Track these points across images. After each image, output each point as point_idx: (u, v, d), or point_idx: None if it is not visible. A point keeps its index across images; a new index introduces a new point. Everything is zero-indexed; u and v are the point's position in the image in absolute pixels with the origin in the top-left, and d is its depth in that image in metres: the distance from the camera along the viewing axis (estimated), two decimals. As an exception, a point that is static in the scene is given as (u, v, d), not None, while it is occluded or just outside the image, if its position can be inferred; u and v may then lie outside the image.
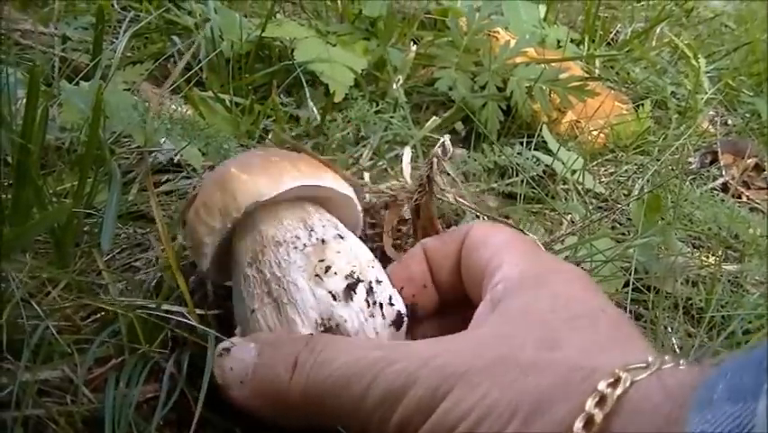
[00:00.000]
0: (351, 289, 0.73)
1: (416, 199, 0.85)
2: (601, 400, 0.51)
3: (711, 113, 2.09)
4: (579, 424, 0.51)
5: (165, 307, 0.78)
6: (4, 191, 0.88)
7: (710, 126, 1.96)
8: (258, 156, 0.80)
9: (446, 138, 0.81)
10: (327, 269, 0.73)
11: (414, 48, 1.36)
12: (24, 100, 0.89)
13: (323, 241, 0.76)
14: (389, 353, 0.63)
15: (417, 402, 0.58)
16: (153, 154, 1.10)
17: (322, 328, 0.72)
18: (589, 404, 0.51)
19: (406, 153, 0.93)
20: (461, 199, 0.86)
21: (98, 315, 0.81)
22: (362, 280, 0.73)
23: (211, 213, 0.76)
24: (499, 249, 0.74)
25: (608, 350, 0.59)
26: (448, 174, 0.84)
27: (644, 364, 0.54)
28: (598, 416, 0.50)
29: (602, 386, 0.52)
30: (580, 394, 0.52)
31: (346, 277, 0.73)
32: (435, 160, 0.82)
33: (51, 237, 0.83)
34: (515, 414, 0.54)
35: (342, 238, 0.77)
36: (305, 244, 0.75)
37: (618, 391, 0.51)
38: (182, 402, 0.74)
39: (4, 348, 0.72)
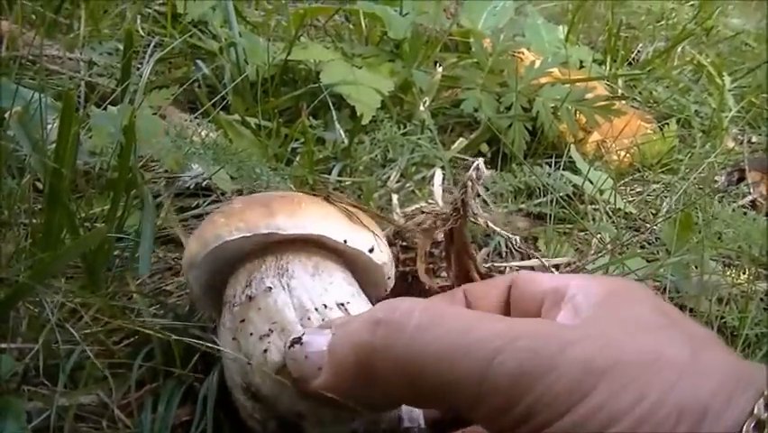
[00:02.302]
0: (265, 351, 0.65)
1: (451, 224, 0.84)
2: (759, 425, 0.50)
3: (735, 131, 2.08)
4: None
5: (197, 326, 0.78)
6: (36, 216, 0.89)
7: (735, 145, 1.95)
8: (215, 213, 0.75)
9: (480, 161, 0.80)
10: (245, 330, 0.67)
11: (440, 70, 1.36)
12: (55, 124, 0.90)
13: (250, 298, 0.69)
14: (512, 325, 0.56)
15: (555, 395, 0.52)
16: (182, 179, 1.11)
17: (249, 395, 0.66)
18: (747, 427, 0.50)
19: (438, 175, 0.93)
20: (492, 225, 0.84)
21: (131, 339, 0.81)
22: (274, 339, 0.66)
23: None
24: (562, 277, 0.70)
25: (738, 363, 0.57)
26: (479, 197, 0.83)
27: None
28: None
29: (759, 407, 0.50)
30: (745, 402, 0.51)
31: (260, 338, 0.66)
32: (470, 183, 0.80)
33: (83, 262, 0.83)
34: (681, 418, 0.51)
35: (270, 290, 0.69)
36: (234, 304, 0.70)
37: None
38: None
39: (40, 373, 0.72)
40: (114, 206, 0.83)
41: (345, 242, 0.72)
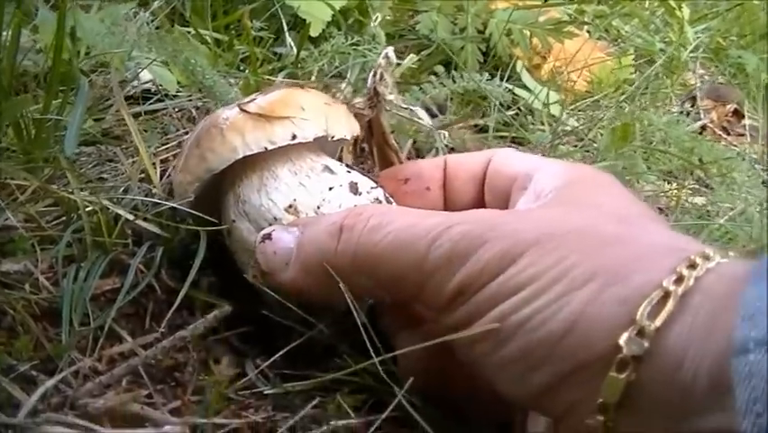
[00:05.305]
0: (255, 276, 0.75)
1: (367, 114, 0.85)
2: (679, 279, 0.53)
3: (701, 71, 2.09)
4: (654, 295, 0.53)
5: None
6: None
7: (698, 81, 1.96)
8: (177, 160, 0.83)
9: (389, 49, 0.82)
10: (240, 259, 0.77)
11: (391, -11, 1.38)
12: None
13: (229, 232, 0.78)
14: (450, 217, 0.63)
15: (484, 264, 0.58)
16: (132, 82, 1.12)
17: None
18: (668, 280, 0.53)
19: (371, 76, 0.94)
20: (405, 105, 0.86)
21: (63, 218, 0.83)
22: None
23: None
24: (532, 159, 0.75)
25: (676, 238, 0.62)
26: (393, 84, 0.84)
27: (711, 254, 0.55)
28: (676, 293, 0.53)
29: (681, 267, 0.54)
30: (660, 270, 0.54)
31: (250, 266, 0.75)
32: (380, 71, 0.82)
33: (19, 144, 0.85)
34: (591, 279, 0.55)
35: (234, 222, 0.77)
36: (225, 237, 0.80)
37: (696, 273, 0.53)
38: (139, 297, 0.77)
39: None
40: (49, 90, 0.85)
41: (266, 149, 0.75)
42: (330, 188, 0.75)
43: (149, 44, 0.87)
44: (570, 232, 0.59)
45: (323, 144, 0.79)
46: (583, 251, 0.57)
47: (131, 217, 0.79)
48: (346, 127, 0.80)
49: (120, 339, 0.72)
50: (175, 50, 0.86)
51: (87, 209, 0.80)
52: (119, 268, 0.79)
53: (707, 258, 0.55)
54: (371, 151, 0.87)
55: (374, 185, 0.77)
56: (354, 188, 0.75)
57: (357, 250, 0.64)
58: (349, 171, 0.78)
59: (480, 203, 0.77)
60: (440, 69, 1.44)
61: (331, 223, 0.67)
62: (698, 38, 1.85)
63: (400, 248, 0.62)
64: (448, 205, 0.79)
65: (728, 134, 1.50)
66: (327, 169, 0.77)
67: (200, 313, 0.76)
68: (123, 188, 0.87)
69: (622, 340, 0.52)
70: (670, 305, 0.52)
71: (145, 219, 0.80)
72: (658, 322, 0.52)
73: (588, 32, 1.93)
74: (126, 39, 0.87)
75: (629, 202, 0.67)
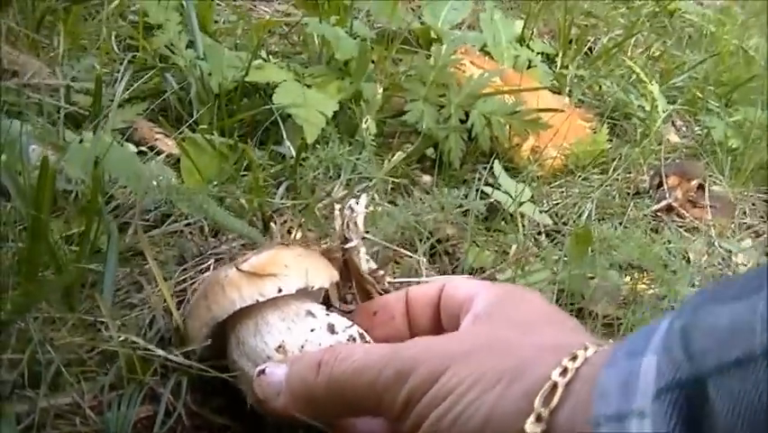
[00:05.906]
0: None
1: (342, 256, 1.02)
2: (564, 371, 0.69)
3: (680, 122, 2.23)
4: (546, 386, 0.69)
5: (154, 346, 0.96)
6: (22, 242, 1.05)
7: (676, 136, 2.10)
8: (189, 311, 0.98)
9: (353, 201, 1.01)
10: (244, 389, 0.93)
11: (380, 90, 1.52)
12: (34, 151, 1.07)
13: (232, 369, 0.95)
14: (396, 347, 0.81)
15: (421, 379, 0.74)
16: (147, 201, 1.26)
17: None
18: (555, 373, 0.69)
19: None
20: (365, 260, 1.01)
21: (101, 349, 0.98)
22: None
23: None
24: (476, 285, 0.93)
25: (572, 337, 0.78)
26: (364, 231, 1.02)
27: (589, 346, 0.71)
28: (561, 383, 0.68)
29: (565, 361, 0.70)
30: (550, 365, 0.70)
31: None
32: (347, 221, 1.00)
33: (60, 280, 1.00)
34: (499, 380, 0.71)
35: (235, 362, 0.93)
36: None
37: (576, 364, 0.69)
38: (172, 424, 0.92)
39: (25, 382, 0.89)
40: (84, 239, 1.00)
41: (258, 301, 0.92)
42: (312, 330, 0.92)
43: (168, 195, 1.02)
44: (483, 345, 0.77)
45: (306, 292, 0.95)
46: (493, 358, 0.74)
47: (162, 354, 0.94)
48: (324, 276, 0.98)
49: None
50: (190, 198, 1.01)
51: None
52: (150, 394, 0.94)
53: (586, 349, 0.71)
54: (350, 283, 1.03)
55: (348, 324, 0.94)
56: (332, 329, 0.92)
57: (330, 379, 0.81)
58: (328, 314, 0.95)
59: (437, 324, 0.95)
60: (431, 151, 1.60)
61: (312, 360, 0.84)
62: (681, 91, 1.98)
63: (361, 374, 0.79)
64: (412, 328, 0.97)
65: (695, 207, 1.64)
66: (310, 313, 0.94)
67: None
68: (148, 320, 1.02)
69: (526, 426, 0.68)
70: (558, 393, 0.68)
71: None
72: (551, 407, 0.68)
73: (569, 91, 2.08)
74: (149, 186, 1.02)
75: (537, 314, 0.85)
